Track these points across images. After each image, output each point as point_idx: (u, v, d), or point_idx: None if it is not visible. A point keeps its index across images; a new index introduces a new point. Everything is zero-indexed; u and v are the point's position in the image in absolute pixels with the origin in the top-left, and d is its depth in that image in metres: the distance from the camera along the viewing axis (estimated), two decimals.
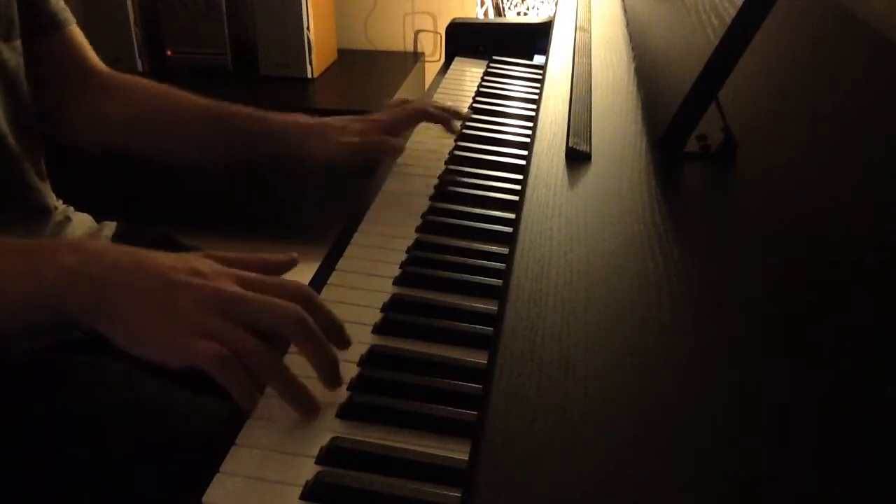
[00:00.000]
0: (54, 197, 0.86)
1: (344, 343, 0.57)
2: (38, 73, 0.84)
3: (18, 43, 0.79)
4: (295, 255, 0.62)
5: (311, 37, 2.14)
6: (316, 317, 0.54)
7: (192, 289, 0.53)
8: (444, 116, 0.94)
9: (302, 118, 0.90)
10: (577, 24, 1.10)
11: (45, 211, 0.84)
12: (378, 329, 0.63)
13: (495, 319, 0.53)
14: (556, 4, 1.29)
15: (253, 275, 0.56)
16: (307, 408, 0.53)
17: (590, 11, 1.18)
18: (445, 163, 0.92)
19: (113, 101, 0.90)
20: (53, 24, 0.85)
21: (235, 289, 0.54)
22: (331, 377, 0.55)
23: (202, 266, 0.55)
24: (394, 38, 2.42)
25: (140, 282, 0.53)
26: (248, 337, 0.52)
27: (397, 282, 0.69)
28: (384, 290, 0.68)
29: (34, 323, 0.55)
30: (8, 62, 0.77)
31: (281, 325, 0.53)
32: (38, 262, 0.54)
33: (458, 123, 0.96)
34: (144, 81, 0.92)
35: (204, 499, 0.48)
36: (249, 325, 0.53)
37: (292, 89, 2.13)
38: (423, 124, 1.04)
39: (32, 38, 0.82)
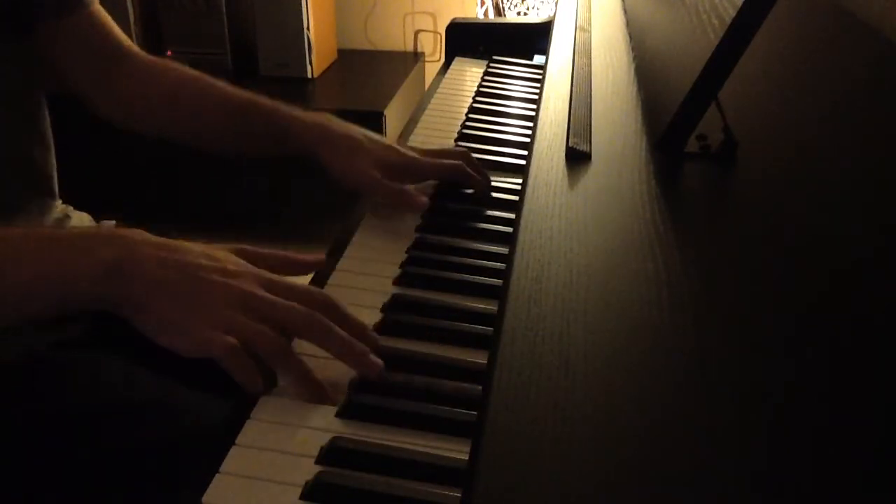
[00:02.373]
0: (56, 187, 0.86)
1: (370, 341, 0.58)
2: (66, 52, 0.83)
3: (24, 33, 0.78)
4: (322, 256, 0.65)
5: (311, 37, 2.14)
6: (340, 324, 0.57)
7: (217, 287, 0.56)
8: (476, 180, 0.82)
9: (331, 124, 0.81)
10: (577, 24, 1.10)
11: (49, 194, 0.84)
12: (378, 329, 0.63)
13: (495, 319, 0.53)
14: (556, 4, 1.29)
15: (279, 279, 0.59)
16: (316, 394, 0.55)
17: (590, 11, 1.18)
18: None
19: (144, 83, 0.88)
20: (77, 2, 0.83)
21: (259, 291, 0.57)
22: (365, 366, 0.56)
23: (230, 264, 0.58)
24: (394, 38, 2.42)
25: (171, 277, 0.56)
26: (260, 326, 0.55)
27: (397, 282, 0.69)
28: (384, 290, 0.68)
29: (68, 311, 0.58)
30: (9, 51, 0.77)
31: (300, 327, 0.56)
32: (79, 255, 0.56)
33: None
34: (177, 66, 0.90)
35: (204, 499, 0.48)
36: (269, 324, 0.56)
37: (292, 89, 2.13)
38: (424, 124, 1.04)
39: (57, 17, 0.81)
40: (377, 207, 0.81)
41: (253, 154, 0.89)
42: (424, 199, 0.78)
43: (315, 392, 0.55)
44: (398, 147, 0.82)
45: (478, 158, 0.92)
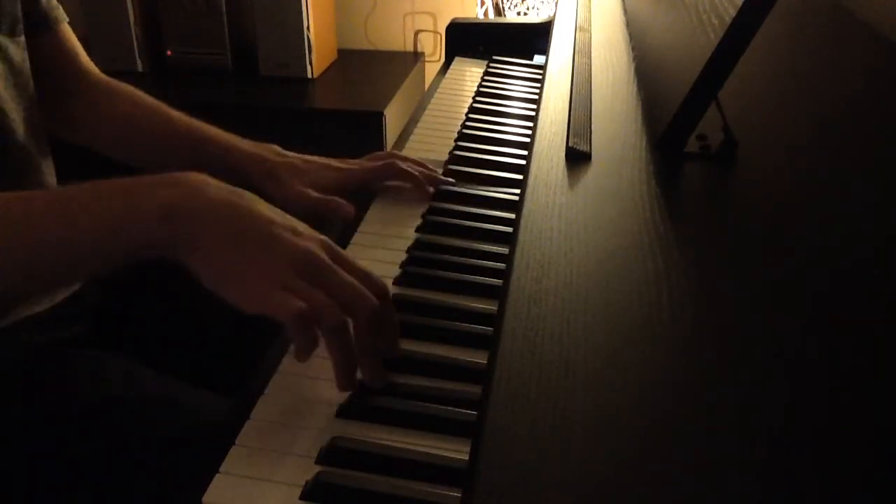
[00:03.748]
0: None
1: (396, 350, 0.59)
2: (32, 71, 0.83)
3: (23, 39, 0.79)
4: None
5: (311, 37, 2.14)
6: (386, 313, 0.58)
7: (286, 244, 0.55)
8: (414, 177, 0.85)
9: (269, 154, 0.85)
10: (577, 24, 1.10)
11: None
12: None
13: (495, 319, 0.53)
14: (556, 4, 1.29)
15: (343, 252, 0.59)
16: (349, 382, 0.56)
17: (590, 11, 1.18)
18: (445, 163, 0.92)
19: (98, 105, 0.90)
20: (46, 23, 0.84)
21: (325, 257, 0.56)
22: (381, 372, 0.57)
23: (299, 226, 0.58)
24: (394, 38, 2.42)
25: (238, 224, 0.55)
26: (326, 299, 0.54)
27: (397, 282, 0.69)
28: None
29: (130, 259, 0.57)
30: (14, 57, 0.77)
31: (355, 306, 0.55)
32: (138, 199, 0.55)
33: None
34: (131, 92, 0.91)
35: (204, 499, 0.48)
36: (327, 293, 0.55)
37: (292, 89, 2.12)
38: (424, 124, 1.04)
39: (32, 36, 0.81)
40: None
41: None
42: (351, 208, 0.81)
43: (352, 380, 0.56)
44: (333, 164, 0.85)
45: (478, 158, 0.92)
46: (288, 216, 0.58)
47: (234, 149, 0.85)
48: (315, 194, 0.82)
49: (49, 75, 0.86)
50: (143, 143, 0.89)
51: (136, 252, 0.56)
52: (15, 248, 0.54)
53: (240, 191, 0.58)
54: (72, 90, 0.89)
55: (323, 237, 0.59)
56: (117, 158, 0.90)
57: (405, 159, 0.88)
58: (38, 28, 0.84)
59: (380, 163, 0.86)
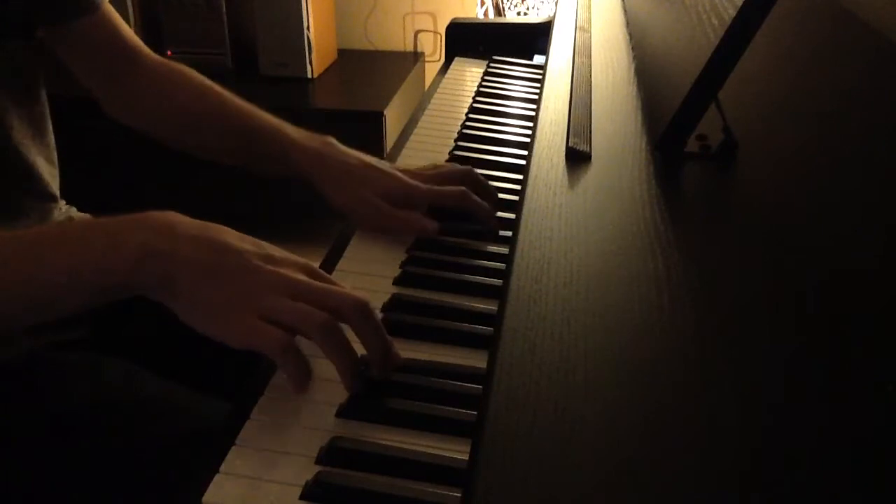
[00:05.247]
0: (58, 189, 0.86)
1: (397, 358, 0.57)
2: (78, 53, 0.85)
3: (33, 36, 0.79)
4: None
5: (311, 37, 2.14)
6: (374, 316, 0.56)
7: (261, 273, 0.54)
8: (483, 209, 0.76)
9: (329, 150, 0.79)
10: (577, 24, 1.10)
11: (51, 199, 0.84)
12: None
13: (495, 319, 0.53)
14: (556, 4, 1.29)
15: (322, 272, 0.58)
16: (355, 382, 0.54)
17: (590, 11, 1.18)
18: (446, 163, 0.92)
19: (151, 86, 0.88)
20: (85, 6, 0.83)
21: (303, 278, 0.55)
22: (386, 363, 0.56)
23: (274, 252, 0.57)
24: (394, 38, 2.42)
25: (211, 259, 0.54)
26: (308, 306, 0.53)
27: (397, 282, 0.69)
28: (384, 290, 0.68)
29: (108, 300, 0.56)
30: (16, 56, 0.78)
31: (341, 303, 0.54)
32: (112, 242, 0.54)
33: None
34: (187, 73, 0.89)
35: (204, 499, 0.48)
36: (308, 303, 0.54)
37: (292, 89, 2.13)
38: (424, 124, 1.04)
39: (67, 22, 0.82)
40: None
41: (254, 172, 0.87)
42: (435, 223, 0.74)
43: (355, 380, 0.54)
44: (398, 174, 0.77)
45: (478, 158, 0.92)
46: (263, 244, 0.57)
47: (291, 143, 0.80)
48: (385, 205, 0.75)
49: (98, 57, 0.87)
50: (193, 126, 0.87)
51: (111, 297, 0.56)
52: None
53: (209, 225, 0.57)
54: (124, 71, 0.87)
55: (303, 261, 0.57)
56: (172, 144, 0.88)
57: (478, 183, 0.78)
58: (78, 12, 0.83)
59: (450, 189, 0.76)
